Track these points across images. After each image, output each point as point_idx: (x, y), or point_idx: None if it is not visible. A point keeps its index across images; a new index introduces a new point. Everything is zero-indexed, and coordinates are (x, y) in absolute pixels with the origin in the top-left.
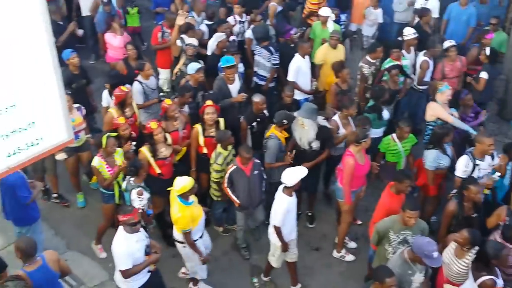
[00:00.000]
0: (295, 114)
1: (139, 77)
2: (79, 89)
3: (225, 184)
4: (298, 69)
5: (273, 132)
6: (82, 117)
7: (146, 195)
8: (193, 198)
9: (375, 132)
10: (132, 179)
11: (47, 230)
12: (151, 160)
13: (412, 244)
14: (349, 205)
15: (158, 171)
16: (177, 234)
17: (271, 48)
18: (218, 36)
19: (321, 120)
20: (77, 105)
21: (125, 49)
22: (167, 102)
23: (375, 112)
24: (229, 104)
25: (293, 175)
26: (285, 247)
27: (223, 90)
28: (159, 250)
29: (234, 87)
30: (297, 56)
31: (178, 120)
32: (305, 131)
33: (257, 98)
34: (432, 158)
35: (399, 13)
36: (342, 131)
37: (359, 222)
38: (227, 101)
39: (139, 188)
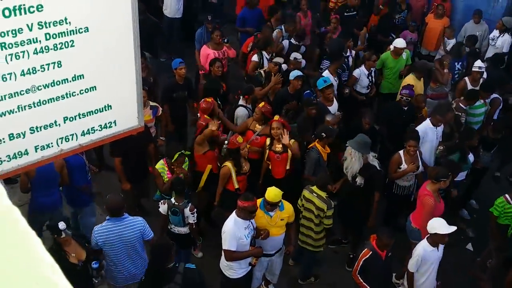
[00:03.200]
0: (348, 142)
1: (242, 101)
2: (178, 98)
3: (357, 272)
4: None
5: (315, 145)
6: (153, 116)
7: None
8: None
9: (459, 175)
10: (173, 200)
11: (101, 215)
12: (233, 175)
13: None
14: None
15: (236, 186)
16: None
17: (343, 65)
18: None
19: (372, 157)
20: (154, 104)
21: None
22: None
23: (460, 153)
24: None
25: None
26: None
27: (323, 111)
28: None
29: (333, 108)
30: None
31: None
32: (352, 162)
33: (328, 117)
34: None
35: None
36: (404, 166)
37: None
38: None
39: (190, 204)
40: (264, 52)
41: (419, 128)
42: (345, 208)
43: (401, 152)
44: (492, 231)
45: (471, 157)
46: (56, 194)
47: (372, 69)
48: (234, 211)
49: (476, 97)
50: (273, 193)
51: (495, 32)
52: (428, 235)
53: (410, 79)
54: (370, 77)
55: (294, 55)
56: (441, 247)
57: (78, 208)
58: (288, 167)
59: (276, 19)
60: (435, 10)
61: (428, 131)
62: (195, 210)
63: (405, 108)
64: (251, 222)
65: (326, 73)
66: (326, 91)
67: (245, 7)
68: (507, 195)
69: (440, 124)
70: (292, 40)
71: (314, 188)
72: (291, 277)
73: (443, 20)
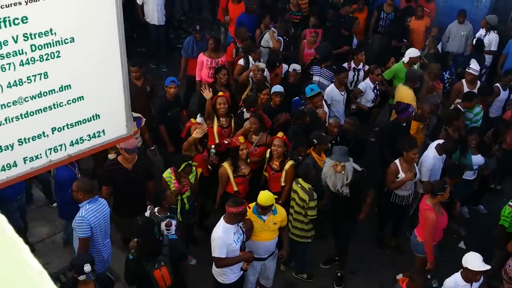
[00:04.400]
0: (328, 159)
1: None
2: (173, 116)
3: None
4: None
5: (311, 152)
6: (138, 128)
7: (174, 222)
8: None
9: (467, 174)
10: (156, 209)
11: None
12: (231, 177)
13: None
14: (431, 262)
15: (235, 188)
16: None
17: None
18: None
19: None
20: (137, 115)
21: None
22: None
23: (461, 150)
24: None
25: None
26: None
27: (314, 119)
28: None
29: (323, 115)
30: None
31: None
32: (341, 175)
33: (331, 119)
34: None
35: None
36: (401, 175)
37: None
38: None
39: (167, 220)
40: (250, 57)
41: (427, 161)
42: (336, 219)
43: (397, 161)
44: (501, 242)
45: (479, 157)
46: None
47: (377, 82)
48: (222, 217)
49: (473, 99)
50: (264, 196)
51: (481, 31)
52: (462, 270)
53: (403, 89)
54: (375, 91)
55: (293, 66)
56: (475, 284)
57: (70, 220)
58: (283, 184)
59: (265, 24)
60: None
61: (436, 162)
62: (173, 228)
63: (404, 125)
64: (240, 227)
65: (331, 87)
66: (313, 99)
67: (243, 12)
68: (511, 204)
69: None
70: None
71: (300, 179)
72: (285, 281)
73: (424, 20)
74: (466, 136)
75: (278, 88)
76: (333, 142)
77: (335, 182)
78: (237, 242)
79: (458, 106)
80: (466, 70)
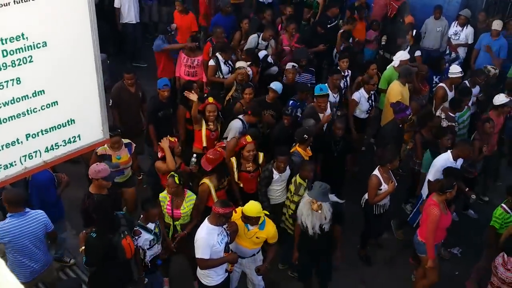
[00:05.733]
0: (305, 194)
1: (244, 117)
2: (164, 117)
3: None
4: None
5: (297, 149)
6: (130, 155)
7: (146, 236)
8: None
9: None
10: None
11: (69, 230)
12: (213, 192)
13: None
14: (433, 260)
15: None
16: None
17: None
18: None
19: (332, 196)
20: (127, 141)
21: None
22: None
23: (430, 149)
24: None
25: None
26: None
27: (315, 119)
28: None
29: (327, 118)
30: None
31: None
32: (318, 214)
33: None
34: None
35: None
36: (384, 187)
37: None
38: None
39: (137, 228)
40: (219, 56)
41: (439, 163)
42: (313, 260)
43: (376, 173)
44: (491, 243)
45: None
46: None
47: (372, 92)
48: (207, 218)
49: (462, 104)
50: (249, 207)
51: (457, 28)
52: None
53: (395, 85)
54: (370, 101)
55: (291, 63)
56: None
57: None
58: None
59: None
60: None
61: (448, 166)
62: (137, 237)
63: (401, 126)
64: (224, 228)
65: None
66: (319, 99)
67: (219, 13)
68: (503, 205)
69: (460, 157)
70: (269, 59)
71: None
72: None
73: (407, 18)
74: (437, 137)
75: (275, 85)
76: (325, 146)
77: (314, 222)
78: (220, 243)
79: (449, 113)
80: (450, 76)
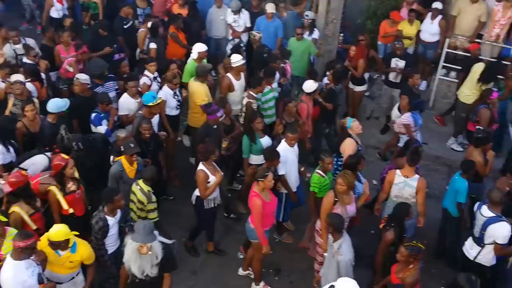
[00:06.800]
0: (129, 241)
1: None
2: None
3: None
4: None
5: (121, 159)
6: None
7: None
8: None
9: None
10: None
11: None
12: (60, 198)
13: None
14: (266, 245)
15: (66, 207)
16: None
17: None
18: None
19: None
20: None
21: None
22: None
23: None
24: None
25: None
26: None
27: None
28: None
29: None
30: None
31: None
32: (147, 257)
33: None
34: None
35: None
36: (212, 178)
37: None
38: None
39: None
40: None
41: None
42: None
43: (202, 167)
44: (313, 208)
45: (267, 139)
46: None
47: (174, 90)
48: (9, 255)
49: (262, 83)
50: (54, 231)
51: (235, 16)
52: None
53: (196, 84)
54: (176, 97)
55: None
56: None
57: None
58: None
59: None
60: None
61: (288, 154)
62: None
63: (215, 127)
64: (33, 259)
65: (124, 96)
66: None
67: None
68: (318, 171)
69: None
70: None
71: (140, 181)
72: None
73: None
74: (249, 122)
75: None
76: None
77: (142, 266)
78: (32, 276)
79: (251, 92)
80: (234, 65)
